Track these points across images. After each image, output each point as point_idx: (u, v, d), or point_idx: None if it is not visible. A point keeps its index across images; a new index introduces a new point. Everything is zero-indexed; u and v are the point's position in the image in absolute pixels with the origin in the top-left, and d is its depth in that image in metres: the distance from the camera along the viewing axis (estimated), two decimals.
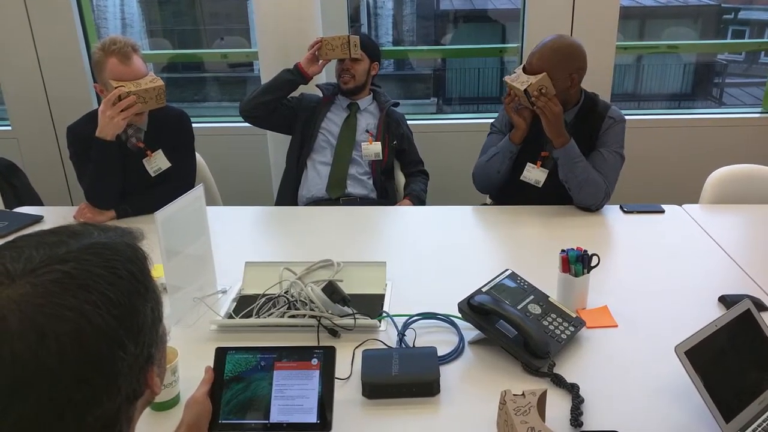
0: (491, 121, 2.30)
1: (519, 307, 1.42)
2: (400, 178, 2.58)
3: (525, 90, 1.98)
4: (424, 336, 1.44)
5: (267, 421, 1.10)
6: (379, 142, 2.43)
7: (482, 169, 2.21)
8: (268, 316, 1.51)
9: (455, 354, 1.37)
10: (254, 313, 1.53)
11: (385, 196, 2.45)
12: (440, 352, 1.33)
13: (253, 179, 3.30)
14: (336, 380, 1.15)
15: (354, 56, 2.40)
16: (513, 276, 1.52)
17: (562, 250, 1.51)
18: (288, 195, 2.47)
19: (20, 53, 3.30)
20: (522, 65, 2.08)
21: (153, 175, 2.17)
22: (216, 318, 1.51)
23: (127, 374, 0.60)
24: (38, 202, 2.52)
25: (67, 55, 3.30)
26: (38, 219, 2.15)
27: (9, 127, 3.49)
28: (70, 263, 0.59)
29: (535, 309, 1.43)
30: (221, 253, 1.74)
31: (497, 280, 1.49)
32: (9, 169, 2.48)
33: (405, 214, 2.24)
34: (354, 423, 1.18)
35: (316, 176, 2.43)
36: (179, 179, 2.20)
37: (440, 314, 1.49)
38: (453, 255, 1.87)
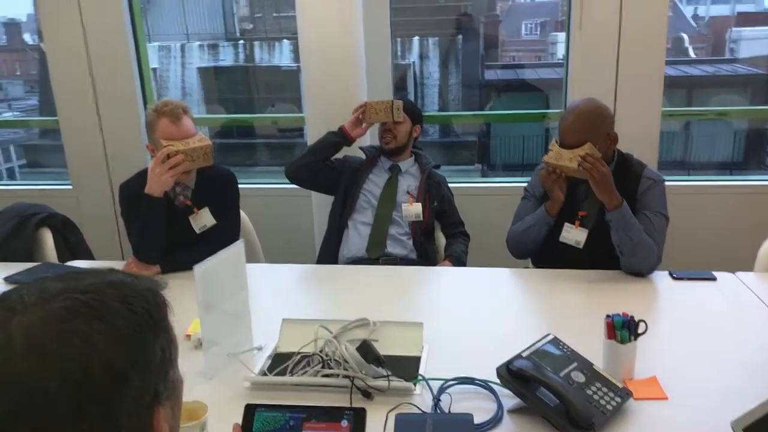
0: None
1: (561, 375, 1.36)
2: (441, 239, 2.56)
3: (579, 165, 1.95)
4: (460, 402, 1.39)
5: None
6: (420, 204, 2.44)
7: (517, 238, 2.19)
8: (302, 374, 1.49)
9: (493, 422, 1.31)
10: (288, 371, 1.51)
11: (424, 256, 2.43)
12: (477, 420, 1.28)
13: (297, 239, 3.33)
14: None
15: (397, 120, 2.45)
16: (555, 341, 1.46)
17: (608, 315, 1.45)
18: (329, 254, 2.48)
19: (83, 114, 3.50)
20: (554, 141, 2.07)
21: (198, 232, 2.22)
22: (249, 375, 1.50)
23: (129, 410, 0.59)
24: (90, 257, 2.61)
25: (127, 118, 3.48)
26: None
27: (70, 186, 3.67)
28: (88, 294, 0.59)
29: (579, 377, 1.36)
30: (260, 310, 1.75)
31: (538, 345, 1.44)
32: (65, 225, 2.59)
33: (444, 275, 2.21)
34: None
35: (357, 236, 2.44)
36: (223, 237, 2.23)
37: (478, 380, 1.44)
38: (493, 318, 1.82)
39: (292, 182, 2.51)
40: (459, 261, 2.40)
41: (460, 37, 9.67)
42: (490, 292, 2.02)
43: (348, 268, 2.34)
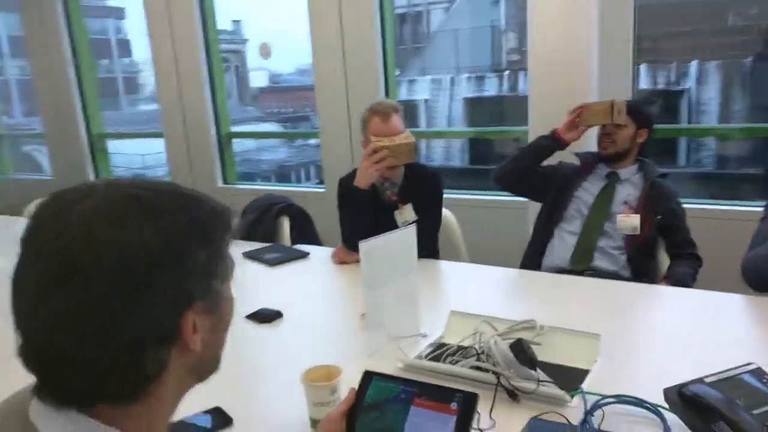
0: None
1: (755, 413, 1.06)
2: (665, 259, 2.23)
3: None
4: (619, 423, 1.18)
5: None
6: (638, 216, 2.16)
7: (759, 265, 1.77)
8: (454, 364, 1.43)
9: None
10: (442, 359, 1.47)
11: (640, 276, 2.14)
12: None
13: (506, 244, 3.23)
14: None
15: (616, 122, 2.22)
16: (759, 373, 1.15)
17: None
18: (532, 262, 2.34)
19: (340, 130, 3.93)
20: None
21: (400, 226, 2.30)
22: (402, 356, 1.49)
23: (159, 301, 0.61)
24: (318, 245, 2.88)
25: None
26: (305, 255, 2.46)
27: (324, 189, 4.16)
28: (149, 191, 0.64)
29: None
30: (444, 303, 1.71)
31: (733, 372, 1.15)
32: (301, 215, 2.92)
33: (661, 294, 1.92)
34: None
35: (562, 245, 2.26)
36: (423, 232, 2.28)
37: (647, 402, 1.20)
38: (694, 342, 1.51)
39: (497, 185, 2.45)
40: (681, 284, 2.05)
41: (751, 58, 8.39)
42: (706, 317, 1.69)
43: (547, 275, 2.19)
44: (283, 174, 13.15)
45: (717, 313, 1.75)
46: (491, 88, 12.04)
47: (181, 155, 4.81)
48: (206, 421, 1.28)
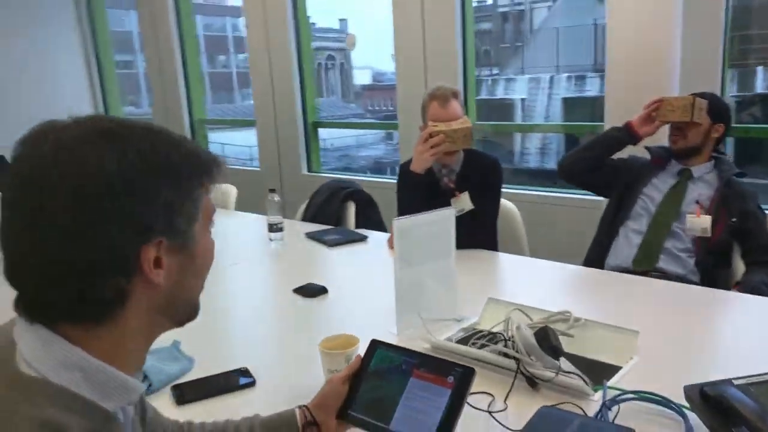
0: None
1: None
2: (740, 266, 2.05)
3: None
4: (637, 420, 1.11)
5: (388, 427, 1.02)
6: (709, 217, 2.00)
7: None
8: (480, 348, 1.40)
9: None
10: (469, 343, 1.45)
11: (710, 282, 1.97)
12: None
13: (573, 244, 3.11)
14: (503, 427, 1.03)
15: (696, 120, 2.07)
16: None
17: None
18: (595, 260, 2.23)
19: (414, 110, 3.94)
20: None
21: (456, 214, 2.27)
22: (429, 337, 1.48)
23: (108, 230, 0.64)
24: (384, 231, 2.91)
25: None
26: (363, 238, 2.50)
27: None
28: (126, 128, 0.68)
29: None
30: (493, 293, 1.67)
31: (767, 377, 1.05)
32: (368, 202, 2.97)
33: (718, 298, 1.78)
34: None
35: (626, 244, 2.15)
36: (478, 221, 2.26)
37: (669, 400, 1.12)
38: (753, 353, 1.39)
39: (562, 177, 2.36)
40: (754, 292, 1.88)
41: None
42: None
43: (603, 273, 2.08)
44: (378, 169, 13.38)
45: None
46: (593, 88, 11.56)
47: (271, 143, 5.02)
48: (212, 382, 1.35)
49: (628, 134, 2.22)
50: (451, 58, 3.79)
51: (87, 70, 6.31)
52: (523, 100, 12.74)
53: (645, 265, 2.06)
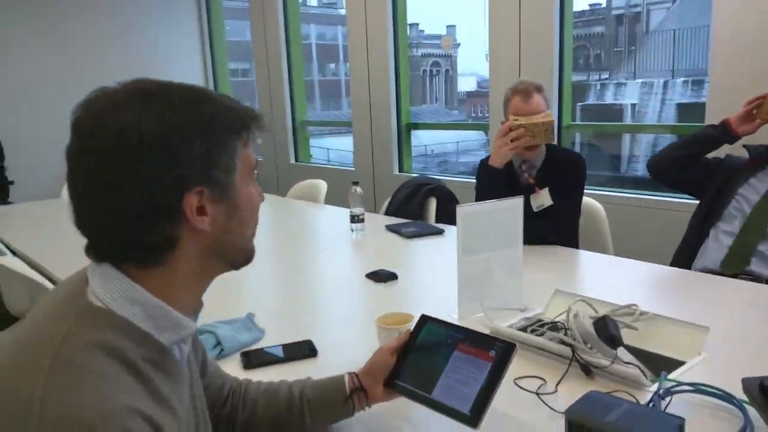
0: None
1: None
2: None
3: None
4: (691, 412, 1.07)
5: (430, 396, 1.05)
6: None
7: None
8: (539, 335, 1.39)
9: None
10: (528, 330, 1.44)
11: None
12: None
13: (662, 247, 2.96)
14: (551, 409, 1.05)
15: None
16: None
17: None
18: (682, 262, 2.12)
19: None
20: None
21: (535, 210, 2.25)
22: (488, 323, 1.49)
23: (147, 181, 0.71)
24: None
25: None
26: (440, 231, 2.53)
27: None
28: (165, 87, 0.76)
29: None
30: (565, 287, 1.64)
31: None
32: (449, 197, 3.00)
33: None
34: None
35: (716, 246, 2.02)
36: (558, 219, 2.22)
37: (727, 393, 1.07)
38: None
39: (651, 174, 2.25)
40: None
41: None
42: None
43: (693, 274, 1.97)
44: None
45: None
46: None
47: (366, 145, 5.17)
48: (278, 351, 1.43)
49: (724, 132, 2.10)
50: (547, 61, 3.73)
51: (203, 75, 6.81)
52: (633, 105, 12.13)
53: (734, 267, 1.93)
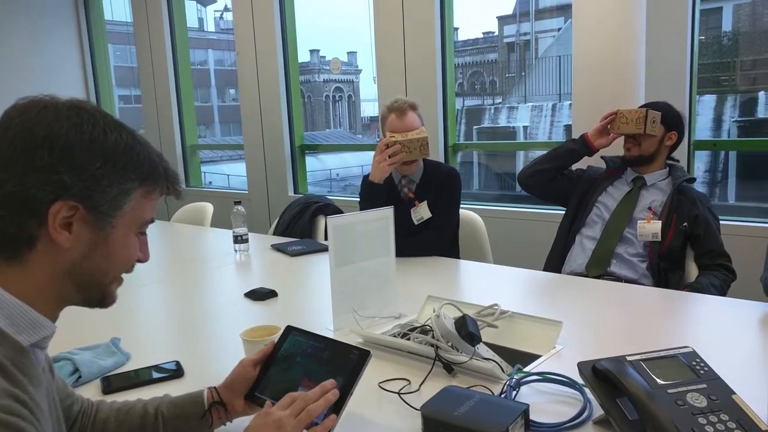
0: None
1: (671, 391, 0.97)
2: (693, 270, 2.06)
3: None
4: (543, 401, 1.13)
5: None
6: (659, 222, 2.02)
7: None
8: (404, 338, 1.42)
9: (561, 427, 1.02)
10: (399, 335, 1.46)
11: (664, 285, 1.98)
12: (554, 419, 1.02)
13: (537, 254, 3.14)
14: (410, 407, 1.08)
15: (649, 133, 2.10)
16: (691, 355, 1.06)
17: None
18: (553, 268, 2.25)
19: None
20: None
21: (416, 223, 2.32)
22: (359, 330, 1.50)
23: (37, 176, 0.73)
24: None
25: None
26: (326, 248, 2.51)
27: None
28: (96, 111, 0.79)
29: (698, 400, 0.96)
30: (443, 294, 1.67)
31: (665, 353, 1.06)
32: (336, 213, 3.00)
33: (667, 297, 1.79)
34: None
35: (580, 251, 2.16)
36: (436, 230, 2.29)
37: (568, 377, 1.14)
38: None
39: (522, 188, 2.38)
40: (701, 293, 1.89)
41: None
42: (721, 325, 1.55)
43: (562, 277, 2.10)
44: None
45: (711, 315, 1.60)
46: None
47: (259, 169, 5.11)
48: (142, 373, 1.38)
49: (584, 145, 2.26)
50: (431, 87, 3.89)
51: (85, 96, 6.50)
52: (525, 127, 12.83)
53: (597, 270, 2.07)
